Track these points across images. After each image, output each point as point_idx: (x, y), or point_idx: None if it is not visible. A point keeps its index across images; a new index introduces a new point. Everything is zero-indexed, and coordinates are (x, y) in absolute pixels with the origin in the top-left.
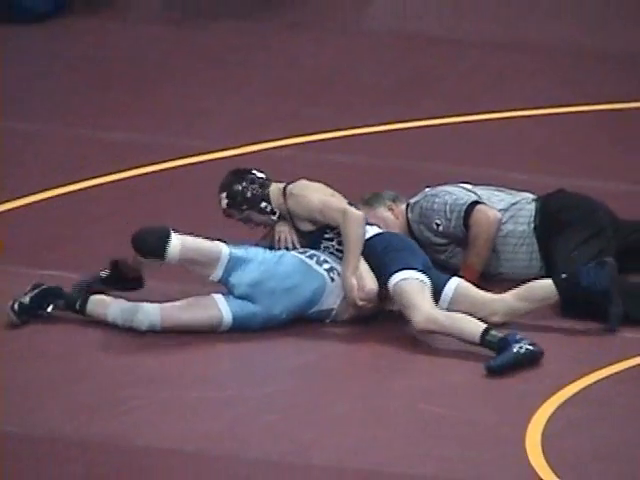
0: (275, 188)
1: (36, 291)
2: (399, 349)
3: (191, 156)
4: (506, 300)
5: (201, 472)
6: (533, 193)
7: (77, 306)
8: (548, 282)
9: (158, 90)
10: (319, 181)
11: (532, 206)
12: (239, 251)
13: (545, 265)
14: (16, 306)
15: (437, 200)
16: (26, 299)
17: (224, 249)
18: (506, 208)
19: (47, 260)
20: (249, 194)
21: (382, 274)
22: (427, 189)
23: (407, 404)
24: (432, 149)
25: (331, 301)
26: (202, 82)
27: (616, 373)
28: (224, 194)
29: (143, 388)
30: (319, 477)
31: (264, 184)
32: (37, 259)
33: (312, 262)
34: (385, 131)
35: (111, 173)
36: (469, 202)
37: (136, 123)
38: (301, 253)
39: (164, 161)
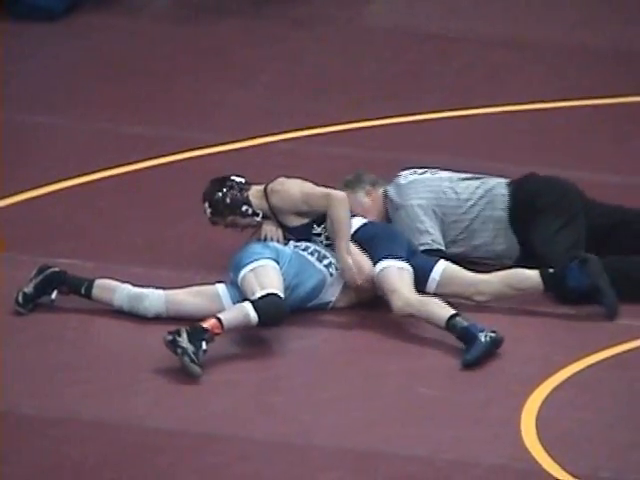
0: (255, 190)
1: (40, 277)
2: (395, 334)
3: (199, 149)
4: (493, 282)
5: (207, 451)
6: (506, 178)
7: (83, 290)
8: (535, 274)
9: (167, 85)
10: (302, 178)
11: (505, 191)
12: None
13: (522, 249)
14: (20, 298)
15: (408, 222)
16: (30, 288)
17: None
18: (483, 194)
19: (58, 249)
20: (228, 200)
21: (371, 259)
22: (403, 174)
23: (403, 387)
24: (430, 142)
25: (330, 294)
26: (209, 77)
27: (607, 358)
28: (206, 204)
29: (152, 372)
30: (319, 456)
31: (243, 188)
32: (48, 248)
33: (313, 259)
34: (385, 125)
35: (121, 165)
36: (429, 249)
37: (145, 117)
38: (303, 250)
39: (172, 154)
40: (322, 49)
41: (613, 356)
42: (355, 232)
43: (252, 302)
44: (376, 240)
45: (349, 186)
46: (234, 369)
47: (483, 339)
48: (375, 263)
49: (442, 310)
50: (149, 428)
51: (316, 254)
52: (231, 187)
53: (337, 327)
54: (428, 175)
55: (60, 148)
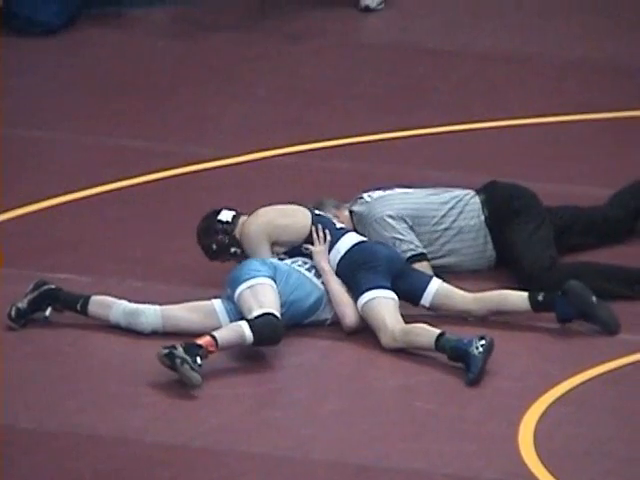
0: (242, 222)
1: (35, 293)
2: (392, 349)
3: (196, 163)
4: (481, 303)
5: (206, 466)
6: (466, 188)
7: (78, 307)
8: (524, 298)
9: (164, 99)
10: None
11: (476, 199)
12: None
13: (498, 253)
14: (13, 312)
15: (384, 234)
16: (24, 303)
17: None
18: (452, 206)
19: (56, 263)
20: (215, 247)
21: (354, 290)
22: (365, 195)
23: (401, 401)
24: (427, 156)
25: (327, 311)
26: (207, 92)
27: (604, 373)
28: (200, 247)
29: (150, 386)
30: (318, 471)
31: (228, 230)
32: (46, 262)
33: (311, 275)
34: (382, 139)
35: (119, 180)
36: (414, 254)
37: (143, 131)
38: (300, 266)
39: (170, 168)
40: (319, 63)
41: (610, 371)
42: (347, 251)
43: (248, 321)
44: (363, 268)
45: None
46: (232, 383)
47: (476, 352)
48: (358, 296)
49: (427, 335)
50: (147, 442)
51: (313, 270)
52: (216, 232)
53: (334, 342)
54: (397, 190)
55: (58, 162)
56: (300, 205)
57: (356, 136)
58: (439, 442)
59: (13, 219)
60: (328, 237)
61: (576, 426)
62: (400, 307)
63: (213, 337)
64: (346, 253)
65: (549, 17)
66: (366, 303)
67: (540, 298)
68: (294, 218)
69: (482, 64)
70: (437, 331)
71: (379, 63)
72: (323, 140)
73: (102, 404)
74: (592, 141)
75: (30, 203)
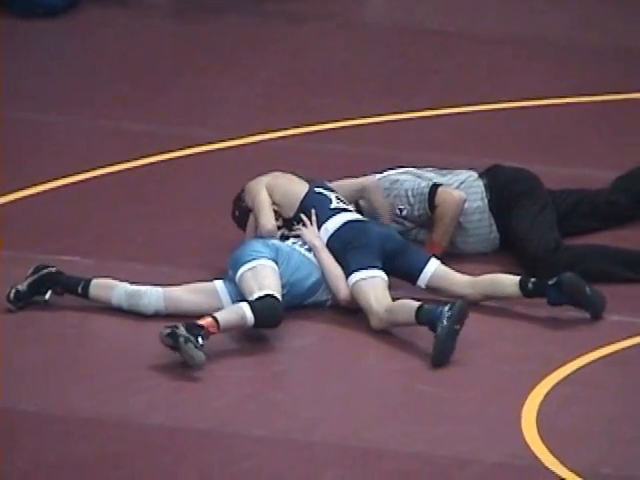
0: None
1: (35, 276)
2: (395, 331)
3: (198, 146)
4: (476, 287)
5: (210, 449)
6: (471, 170)
7: (80, 290)
8: (514, 283)
9: (166, 82)
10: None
11: (479, 182)
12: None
13: (502, 236)
14: (12, 295)
15: (395, 188)
16: (24, 286)
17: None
18: (456, 187)
19: (57, 247)
20: (237, 213)
21: (345, 269)
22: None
23: (403, 384)
24: (429, 139)
25: (327, 292)
26: (209, 74)
27: (607, 355)
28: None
29: (153, 369)
30: (321, 453)
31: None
32: (47, 245)
33: (311, 255)
34: (384, 122)
35: (121, 162)
36: (430, 185)
37: (145, 114)
38: (301, 246)
39: (172, 151)
40: (321, 46)
41: (613, 353)
42: (338, 228)
43: (249, 303)
44: (353, 246)
45: None
46: (235, 366)
47: (439, 330)
48: (350, 273)
49: (408, 309)
50: (150, 425)
51: (312, 250)
52: (239, 199)
53: (336, 324)
54: (399, 170)
55: (60, 145)
56: (303, 178)
57: (359, 118)
58: (441, 425)
59: (14, 202)
60: (314, 217)
61: (579, 408)
62: (397, 287)
63: (214, 318)
64: (335, 231)
65: (551, 0)
66: (354, 285)
67: (530, 286)
68: (292, 184)
69: (485, 46)
70: (416, 305)
71: (382, 45)
72: (326, 122)
73: (105, 387)
74: (593, 124)
75: (31, 186)
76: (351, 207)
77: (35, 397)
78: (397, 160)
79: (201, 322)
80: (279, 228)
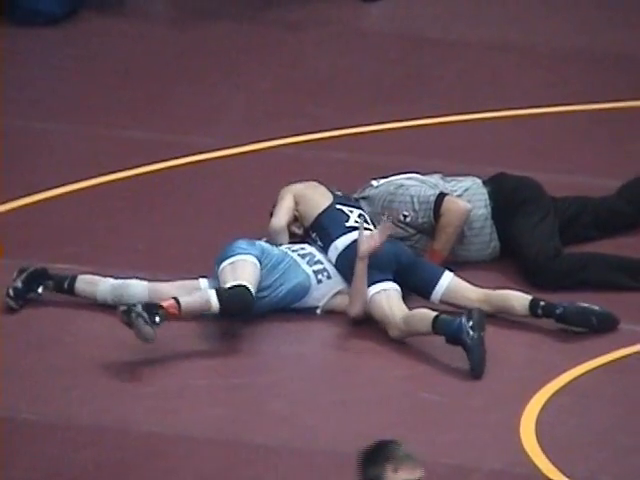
0: None
1: (25, 274)
2: (402, 339)
3: (198, 154)
4: (488, 301)
5: (208, 456)
6: (476, 177)
7: (65, 285)
8: (525, 306)
9: (167, 90)
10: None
11: (483, 190)
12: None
13: (502, 244)
14: (11, 292)
15: (400, 193)
16: (18, 283)
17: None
18: (460, 194)
19: (57, 254)
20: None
21: None
22: (373, 182)
23: (404, 392)
24: (429, 147)
25: (315, 299)
26: (209, 82)
27: (606, 363)
28: None
29: (152, 376)
30: (321, 461)
31: None
32: (47, 253)
33: (302, 261)
34: (384, 129)
35: (121, 170)
36: (437, 194)
37: (146, 121)
38: (294, 251)
39: (173, 158)
40: (321, 53)
41: (612, 361)
42: (350, 243)
43: (216, 290)
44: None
45: None
46: (233, 374)
47: (470, 341)
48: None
49: (425, 320)
50: (149, 433)
51: (308, 257)
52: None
53: (334, 332)
54: (403, 176)
55: (60, 153)
56: (329, 190)
57: (359, 126)
58: (441, 432)
59: (14, 210)
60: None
61: (578, 416)
62: (410, 300)
63: (176, 300)
64: (344, 250)
65: (551, 7)
66: (372, 296)
67: (539, 311)
68: (315, 196)
69: (484, 54)
70: (432, 315)
71: (382, 53)
72: (325, 130)
73: (103, 395)
74: (594, 131)
75: (32, 194)
76: (370, 225)
77: (33, 405)
78: (397, 168)
79: (162, 303)
80: (293, 235)
